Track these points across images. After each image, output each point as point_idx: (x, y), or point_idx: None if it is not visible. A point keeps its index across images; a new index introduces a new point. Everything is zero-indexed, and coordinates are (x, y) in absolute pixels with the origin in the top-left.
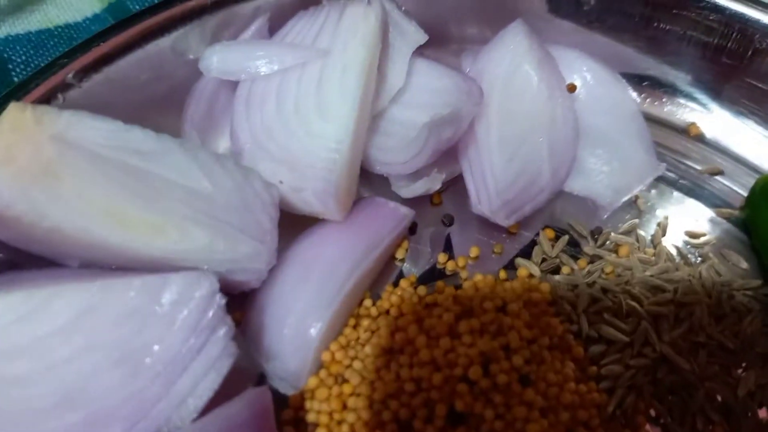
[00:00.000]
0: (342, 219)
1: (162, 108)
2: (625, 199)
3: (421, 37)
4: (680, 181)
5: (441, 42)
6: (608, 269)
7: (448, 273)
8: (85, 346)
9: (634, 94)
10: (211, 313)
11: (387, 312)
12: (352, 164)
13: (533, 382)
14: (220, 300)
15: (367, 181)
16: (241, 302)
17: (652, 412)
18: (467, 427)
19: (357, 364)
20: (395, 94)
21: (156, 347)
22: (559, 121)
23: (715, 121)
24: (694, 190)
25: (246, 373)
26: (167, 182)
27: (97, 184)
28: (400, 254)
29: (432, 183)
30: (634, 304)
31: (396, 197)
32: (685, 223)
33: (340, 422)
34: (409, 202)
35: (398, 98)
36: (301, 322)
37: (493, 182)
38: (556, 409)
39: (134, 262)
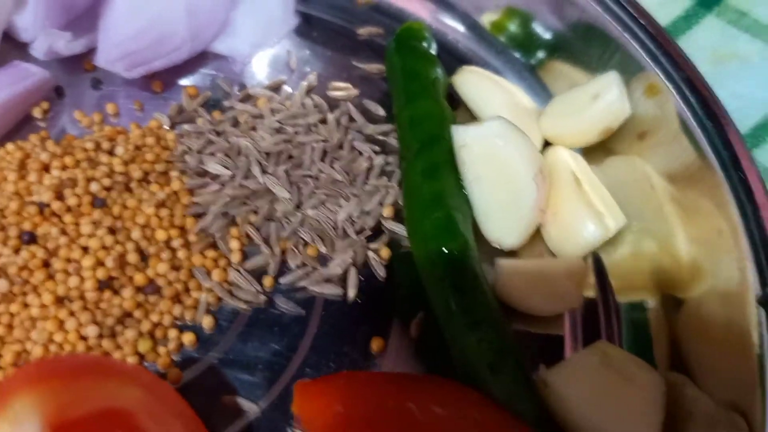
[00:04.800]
0: None
1: None
2: (259, 52)
3: None
4: (337, 39)
5: None
6: (242, 118)
7: (81, 126)
8: None
9: None
10: None
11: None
12: None
13: (108, 205)
14: None
15: None
16: None
17: (250, 237)
18: (38, 245)
19: None
20: None
21: None
22: None
23: None
24: (351, 48)
25: None
26: None
27: None
28: (37, 113)
29: (68, 45)
30: (246, 143)
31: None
32: (334, 79)
33: None
34: (62, 68)
35: None
36: None
37: (113, 33)
38: (128, 228)
39: None
